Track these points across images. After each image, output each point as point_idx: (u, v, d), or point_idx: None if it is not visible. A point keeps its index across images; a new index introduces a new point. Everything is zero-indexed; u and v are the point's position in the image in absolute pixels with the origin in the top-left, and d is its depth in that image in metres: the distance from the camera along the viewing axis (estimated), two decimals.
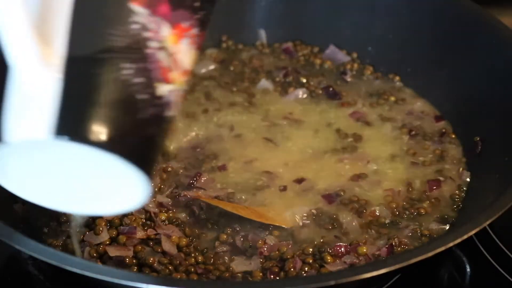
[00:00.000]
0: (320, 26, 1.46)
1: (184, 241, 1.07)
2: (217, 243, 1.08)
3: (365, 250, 1.05)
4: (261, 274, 1.03)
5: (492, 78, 1.25)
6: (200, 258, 1.05)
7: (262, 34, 1.48)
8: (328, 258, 1.04)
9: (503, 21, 1.28)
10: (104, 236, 1.07)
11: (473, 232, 0.95)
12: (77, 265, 0.90)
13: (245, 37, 1.49)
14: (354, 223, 1.10)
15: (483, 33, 1.29)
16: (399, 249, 1.07)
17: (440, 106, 1.32)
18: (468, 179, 1.19)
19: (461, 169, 1.21)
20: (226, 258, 1.06)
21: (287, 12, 1.48)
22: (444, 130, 1.28)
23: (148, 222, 1.09)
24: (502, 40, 1.25)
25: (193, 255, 1.06)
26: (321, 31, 1.46)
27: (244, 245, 1.07)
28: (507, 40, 1.25)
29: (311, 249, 1.06)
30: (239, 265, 1.05)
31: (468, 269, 1.15)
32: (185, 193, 1.13)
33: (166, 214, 1.10)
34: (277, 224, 1.10)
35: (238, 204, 1.13)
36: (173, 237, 1.07)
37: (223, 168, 1.20)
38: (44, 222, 1.11)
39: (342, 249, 1.05)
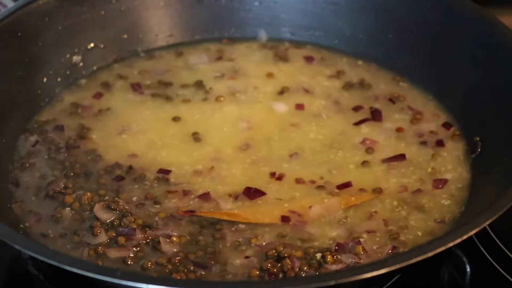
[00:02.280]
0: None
1: (184, 239, 1.08)
2: (215, 241, 1.08)
3: (360, 249, 1.06)
4: (257, 272, 1.03)
5: (492, 78, 1.25)
6: (200, 253, 1.06)
7: (263, 33, 1.49)
8: (328, 257, 1.04)
9: (503, 21, 1.28)
10: (102, 238, 1.07)
11: (473, 232, 0.95)
12: (77, 265, 0.90)
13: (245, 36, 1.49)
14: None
15: (483, 33, 1.29)
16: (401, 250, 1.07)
17: (441, 106, 1.32)
18: (468, 179, 1.19)
19: (461, 169, 1.21)
20: (225, 255, 1.06)
21: (285, 11, 1.48)
22: (447, 130, 1.28)
23: (148, 222, 1.10)
24: (502, 40, 1.25)
25: (193, 252, 1.06)
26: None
27: (240, 243, 1.08)
28: (507, 40, 1.25)
29: (312, 249, 1.06)
30: (237, 261, 1.05)
31: (468, 269, 1.15)
32: (180, 211, 1.13)
33: (164, 213, 1.11)
34: (273, 222, 1.11)
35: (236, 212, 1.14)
36: (173, 237, 1.07)
37: None
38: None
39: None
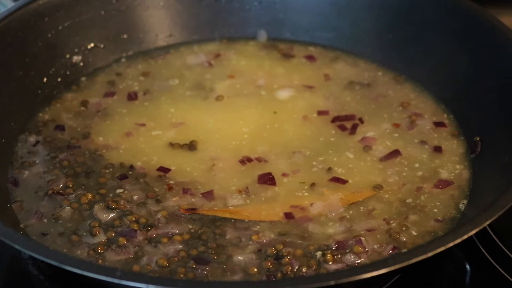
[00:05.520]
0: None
1: (186, 237, 1.08)
2: (216, 236, 1.09)
3: (360, 249, 1.06)
4: (256, 269, 1.03)
5: (492, 78, 1.25)
6: (202, 248, 1.06)
7: (263, 33, 1.49)
8: (328, 256, 1.04)
9: (503, 21, 1.28)
10: (101, 237, 1.08)
11: (473, 232, 0.95)
12: (77, 265, 0.90)
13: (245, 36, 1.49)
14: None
15: (483, 33, 1.29)
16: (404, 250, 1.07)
17: (441, 106, 1.32)
18: (468, 179, 1.19)
19: (461, 168, 1.21)
20: (226, 250, 1.07)
21: (285, 11, 1.48)
22: (445, 130, 1.28)
23: (149, 222, 1.10)
24: (502, 40, 1.25)
25: (195, 247, 1.07)
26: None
27: (241, 240, 1.08)
28: (507, 40, 1.25)
29: (313, 247, 1.06)
30: (237, 258, 1.05)
31: (468, 269, 1.15)
32: (181, 209, 1.13)
33: (166, 212, 1.12)
34: (274, 219, 1.11)
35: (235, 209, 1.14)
36: (175, 236, 1.08)
37: None
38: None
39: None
